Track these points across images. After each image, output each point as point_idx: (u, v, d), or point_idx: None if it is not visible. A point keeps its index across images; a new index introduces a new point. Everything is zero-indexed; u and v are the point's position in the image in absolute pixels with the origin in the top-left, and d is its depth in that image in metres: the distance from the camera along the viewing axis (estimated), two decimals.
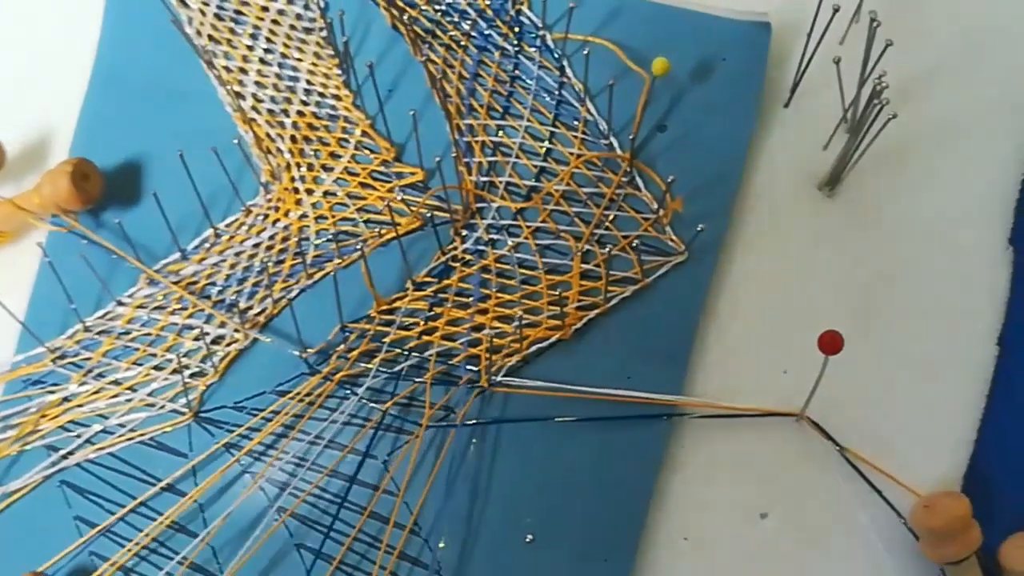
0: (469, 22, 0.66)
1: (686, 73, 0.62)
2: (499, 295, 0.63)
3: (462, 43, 0.66)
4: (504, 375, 0.60)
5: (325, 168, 0.65)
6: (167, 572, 0.60)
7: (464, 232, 0.62)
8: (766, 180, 0.61)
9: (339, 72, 0.66)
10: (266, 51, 0.67)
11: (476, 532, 0.58)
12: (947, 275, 0.59)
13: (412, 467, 0.59)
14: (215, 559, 0.58)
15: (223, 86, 0.66)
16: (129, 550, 0.62)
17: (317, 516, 0.59)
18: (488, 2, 0.66)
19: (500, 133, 0.63)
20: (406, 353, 0.62)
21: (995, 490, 0.56)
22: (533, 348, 0.60)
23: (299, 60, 0.67)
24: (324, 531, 0.59)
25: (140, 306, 0.64)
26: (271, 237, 0.64)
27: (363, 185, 0.64)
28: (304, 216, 0.64)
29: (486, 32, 0.65)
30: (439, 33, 0.66)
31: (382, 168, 0.64)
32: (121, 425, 0.62)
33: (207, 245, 0.65)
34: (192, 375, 0.63)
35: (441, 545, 0.58)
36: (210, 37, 0.67)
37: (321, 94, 0.66)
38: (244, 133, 0.65)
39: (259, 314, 0.62)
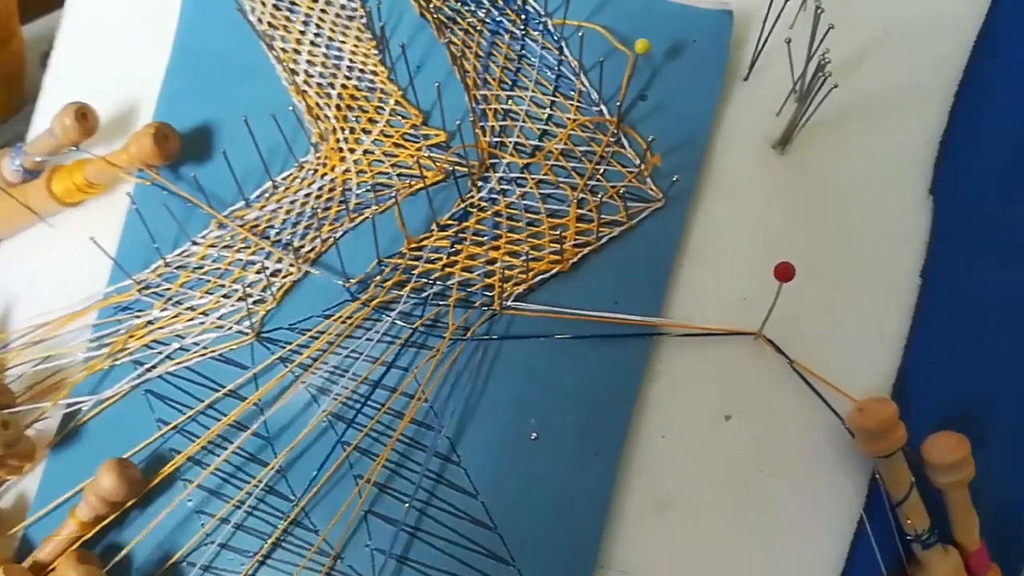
0: (484, 10, 0.67)
1: (663, 52, 0.64)
2: (509, 235, 0.63)
3: (477, 28, 0.67)
4: (513, 300, 0.62)
5: (364, 131, 0.66)
6: (229, 461, 0.61)
7: (480, 183, 0.64)
8: (729, 140, 0.63)
9: (376, 52, 0.67)
10: (315, 35, 0.68)
11: (489, 431, 0.61)
12: (879, 219, 0.62)
13: (431, 374, 0.60)
14: (271, 449, 0.61)
15: (280, 64, 0.68)
16: (202, 445, 0.62)
17: (357, 417, 0.61)
18: None
19: (509, 102, 0.65)
20: (431, 282, 0.63)
21: (918, 397, 0.60)
22: (537, 278, 0.62)
23: (343, 42, 0.68)
24: (359, 427, 0.60)
25: (211, 245, 0.66)
26: (320, 188, 0.66)
27: (396, 145, 0.65)
28: (347, 171, 0.65)
29: (497, 19, 0.67)
30: (459, 20, 0.67)
31: (411, 131, 0.66)
32: (195, 344, 0.65)
33: (267, 195, 0.67)
34: (254, 302, 0.65)
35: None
36: (269, 23, 0.69)
37: (361, 70, 0.67)
38: (297, 102, 0.67)
39: (310, 251, 0.64)
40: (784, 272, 0.54)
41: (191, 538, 0.62)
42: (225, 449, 0.62)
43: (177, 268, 0.67)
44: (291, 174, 0.67)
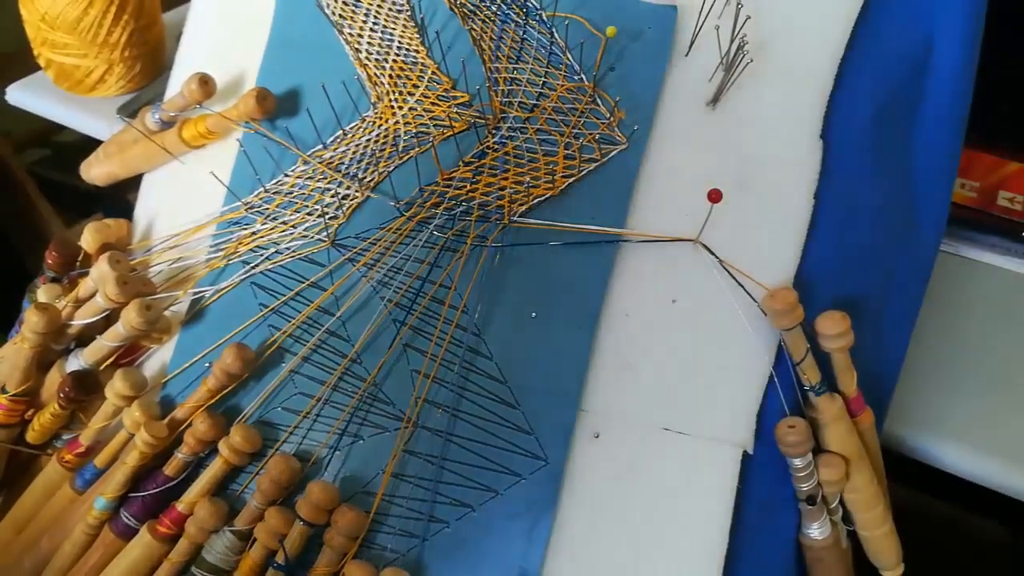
0: (496, 5, 0.71)
1: (626, 36, 0.67)
2: (515, 169, 0.66)
3: (491, 18, 0.70)
4: (518, 216, 0.66)
5: (409, 94, 0.70)
6: (317, 337, 0.66)
7: (493, 131, 0.68)
8: (674, 99, 0.66)
9: (418, 36, 0.72)
10: (374, 24, 0.73)
11: (500, 312, 0.64)
12: (784, 156, 0.65)
13: (460, 272, 0.66)
14: (343, 328, 0.67)
15: (348, 45, 0.72)
16: (292, 323, 0.67)
17: (406, 301, 0.65)
18: None
19: (515, 72, 0.69)
20: (459, 203, 0.67)
21: (812, 286, 0.64)
22: (535, 200, 0.65)
23: (393, 29, 0.72)
24: (407, 309, 0.65)
25: (298, 176, 0.71)
26: (377, 135, 0.70)
27: (432, 104, 0.70)
28: (397, 122, 0.70)
29: (506, 11, 0.70)
30: (477, 12, 0.71)
31: (444, 93, 0.70)
32: (286, 248, 0.69)
33: (338, 140, 0.71)
34: (330, 218, 0.68)
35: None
36: (340, 16, 0.73)
37: (407, 49, 0.71)
38: (360, 73, 0.71)
39: (370, 181, 0.69)
40: (715, 196, 0.60)
41: (287, 397, 0.66)
42: (311, 329, 0.67)
43: (273, 193, 0.70)
44: (356, 125, 0.71)
